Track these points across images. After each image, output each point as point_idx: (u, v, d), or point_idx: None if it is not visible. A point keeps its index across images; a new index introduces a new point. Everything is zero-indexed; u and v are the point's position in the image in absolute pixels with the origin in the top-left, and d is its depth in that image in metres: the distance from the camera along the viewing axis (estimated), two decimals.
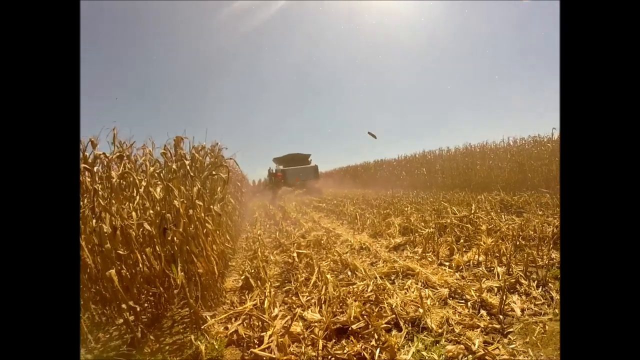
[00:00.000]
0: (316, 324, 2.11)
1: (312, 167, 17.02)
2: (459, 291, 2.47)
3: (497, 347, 1.78)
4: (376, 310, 2.18)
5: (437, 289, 2.55)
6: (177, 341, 2.23)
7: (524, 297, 2.32)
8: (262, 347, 1.90)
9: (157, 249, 2.38)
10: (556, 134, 8.75)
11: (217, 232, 3.29)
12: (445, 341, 1.86)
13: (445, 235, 4.16)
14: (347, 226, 6.24)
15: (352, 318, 2.05)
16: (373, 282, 2.61)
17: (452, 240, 3.80)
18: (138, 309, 2.17)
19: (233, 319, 2.33)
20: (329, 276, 2.84)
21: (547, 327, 1.93)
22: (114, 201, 2.26)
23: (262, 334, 2.04)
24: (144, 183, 2.59)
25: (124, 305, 2.02)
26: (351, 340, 1.92)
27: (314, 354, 1.83)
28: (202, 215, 2.84)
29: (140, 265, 2.27)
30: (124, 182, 2.62)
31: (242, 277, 3.19)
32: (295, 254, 3.78)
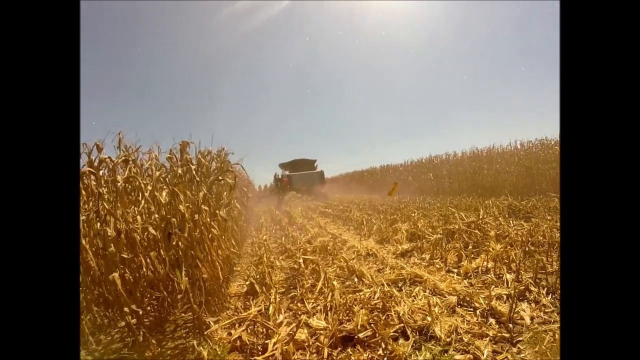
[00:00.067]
0: (322, 331, 2.08)
1: (318, 172, 17.05)
2: (468, 299, 2.41)
3: (506, 357, 1.73)
4: (383, 318, 2.14)
5: (445, 297, 2.49)
6: (179, 346, 2.21)
7: (533, 305, 2.26)
8: (266, 355, 1.87)
9: (162, 253, 2.37)
10: None
11: (223, 237, 3.27)
12: (453, 350, 1.82)
13: (453, 241, 4.10)
14: (353, 232, 6.19)
15: (359, 326, 2.01)
16: (380, 289, 2.57)
17: (460, 246, 3.74)
18: (141, 313, 2.16)
19: (237, 325, 2.30)
20: (335, 283, 2.81)
21: (556, 335, 1.87)
22: (119, 205, 2.26)
23: (266, 341, 2.00)
24: (149, 187, 2.59)
25: (126, 309, 2.01)
26: (357, 349, 1.88)
27: None
28: (208, 220, 2.82)
29: (144, 269, 2.26)
30: (130, 186, 2.62)
31: (247, 283, 3.17)
32: (301, 260, 3.75)
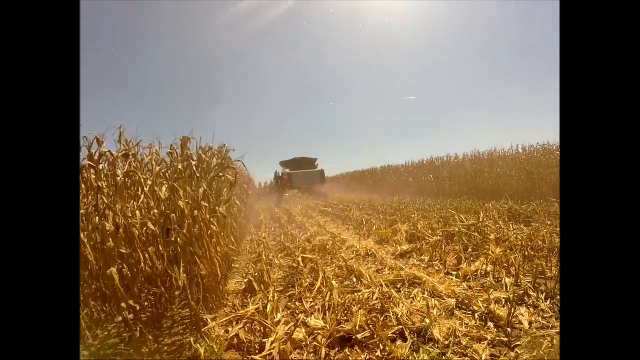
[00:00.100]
0: (320, 331, 2.07)
1: (319, 171, 17.03)
2: (467, 302, 2.41)
3: None
4: (382, 319, 2.13)
5: (444, 299, 2.48)
6: (176, 342, 2.20)
7: (532, 310, 2.25)
8: (264, 354, 1.86)
9: (160, 249, 2.36)
10: None
11: (222, 234, 3.26)
12: (451, 353, 1.81)
13: (453, 243, 4.08)
14: (352, 231, 6.18)
15: (357, 327, 2.00)
16: (379, 290, 2.56)
17: (459, 249, 3.73)
18: (138, 308, 2.15)
19: (234, 323, 2.29)
20: (334, 282, 2.80)
21: (555, 341, 1.86)
22: (118, 199, 2.25)
23: (264, 339, 2.00)
24: (149, 182, 2.58)
25: (123, 304, 2.00)
26: (355, 350, 1.87)
27: None
28: (208, 216, 2.81)
29: (143, 265, 2.25)
30: (129, 181, 2.61)
31: (246, 280, 3.16)
32: (300, 259, 3.74)
